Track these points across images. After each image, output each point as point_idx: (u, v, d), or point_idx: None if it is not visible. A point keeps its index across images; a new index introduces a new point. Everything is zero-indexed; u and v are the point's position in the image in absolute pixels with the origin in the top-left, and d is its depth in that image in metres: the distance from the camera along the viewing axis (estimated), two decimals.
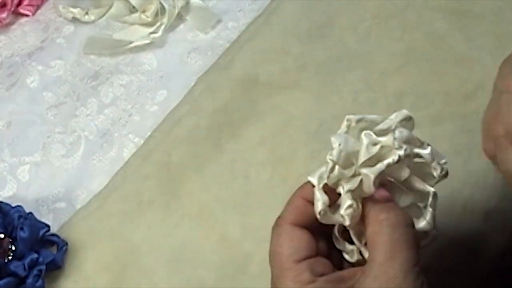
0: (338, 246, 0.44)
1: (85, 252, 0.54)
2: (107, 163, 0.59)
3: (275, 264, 0.43)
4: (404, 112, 0.44)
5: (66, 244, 0.54)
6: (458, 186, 0.55)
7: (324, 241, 0.44)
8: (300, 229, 0.43)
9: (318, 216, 0.42)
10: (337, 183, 0.42)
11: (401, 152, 0.41)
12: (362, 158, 0.42)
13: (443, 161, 0.44)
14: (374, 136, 0.42)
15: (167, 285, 0.53)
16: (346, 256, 0.44)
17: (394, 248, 0.39)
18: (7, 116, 0.61)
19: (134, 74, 0.63)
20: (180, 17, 0.66)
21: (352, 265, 0.44)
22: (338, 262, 0.44)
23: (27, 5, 0.67)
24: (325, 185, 0.43)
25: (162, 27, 0.64)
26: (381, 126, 0.43)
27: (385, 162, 0.41)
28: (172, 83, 0.62)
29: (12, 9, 0.66)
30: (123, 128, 0.60)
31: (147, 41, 0.64)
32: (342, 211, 0.42)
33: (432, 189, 0.43)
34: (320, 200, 0.42)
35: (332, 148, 0.42)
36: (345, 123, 0.44)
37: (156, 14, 0.64)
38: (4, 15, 0.66)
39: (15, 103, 0.62)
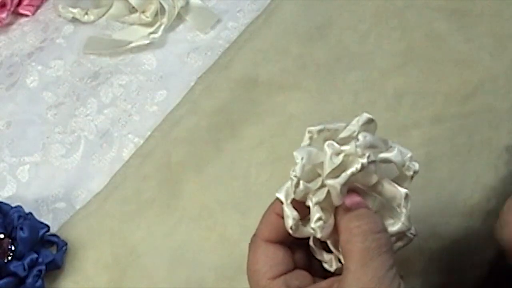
0: (316, 256, 0.44)
1: (85, 252, 0.54)
2: (107, 163, 0.59)
3: (252, 281, 0.44)
4: (365, 116, 0.43)
5: (66, 244, 0.54)
6: (457, 186, 0.55)
7: (303, 252, 0.45)
8: (274, 245, 0.43)
9: (290, 231, 0.42)
10: (305, 196, 0.42)
11: (364, 160, 0.41)
12: (327, 169, 0.41)
13: (409, 155, 0.43)
14: (337, 145, 0.42)
15: (167, 285, 0.53)
16: (326, 266, 0.44)
17: (366, 256, 0.39)
18: (7, 116, 0.61)
19: (134, 74, 0.63)
20: (179, 17, 0.66)
21: (333, 274, 0.43)
22: (319, 272, 0.44)
23: (27, 5, 0.67)
24: (294, 199, 0.42)
25: (162, 27, 0.64)
26: (344, 134, 0.43)
27: (349, 171, 0.41)
28: (171, 83, 0.62)
29: (12, 9, 0.66)
30: (123, 128, 0.60)
31: (147, 41, 0.64)
32: (312, 224, 0.42)
33: (404, 191, 0.42)
34: (290, 217, 0.42)
35: (295, 163, 0.42)
36: (307, 135, 0.43)
37: (156, 14, 0.64)
38: (4, 15, 0.66)
39: (14, 103, 0.62)
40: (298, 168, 0.41)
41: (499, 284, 0.50)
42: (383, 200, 0.43)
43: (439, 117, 0.58)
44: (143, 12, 0.65)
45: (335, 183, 0.41)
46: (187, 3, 0.66)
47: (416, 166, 0.43)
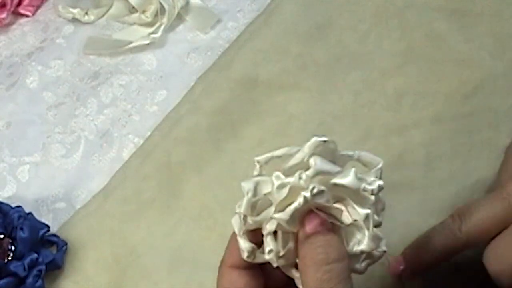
0: (285, 273, 0.42)
1: (85, 252, 0.54)
2: (107, 163, 0.59)
3: None
4: (315, 140, 0.40)
5: (66, 244, 0.54)
6: (457, 186, 0.55)
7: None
8: (238, 270, 0.43)
9: (248, 260, 0.41)
10: (259, 225, 0.41)
11: (307, 194, 0.38)
12: (274, 201, 0.40)
13: (379, 165, 0.41)
14: (282, 177, 0.40)
15: (167, 285, 0.53)
16: (296, 282, 0.42)
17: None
18: (7, 116, 0.61)
19: (134, 74, 0.63)
20: (180, 17, 0.66)
21: None
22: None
23: (27, 5, 0.67)
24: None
25: (162, 27, 0.64)
26: (294, 161, 0.40)
27: (292, 206, 0.39)
28: (171, 83, 0.62)
29: (12, 9, 0.66)
30: (123, 128, 0.60)
31: (147, 41, 0.64)
32: (265, 256, 0.40)
33: (363, 212, 0.40)
34: (244, 250, 0.41)
35: (243, 196, 0.40)
36: (256, 165, 0.42)
37: (156, 14, 0.64)
38: (4, 15, 0.66)
39: (15, 103, 0.62)
40: (244, 205, 0.40)
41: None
42: (342, 222, 0.41)
43: (439, 117, 0.58)
44: (143, 12, 0.65)
45: (281, 218, 0.39)
46: (187, 3, 0.66)
47: (375, 185, 0.40)
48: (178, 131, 0.59)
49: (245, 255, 0.41)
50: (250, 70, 0.61)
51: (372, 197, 0.40)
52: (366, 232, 0.40)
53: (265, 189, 0.40)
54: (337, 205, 0.41)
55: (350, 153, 0.42)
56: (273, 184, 0.40)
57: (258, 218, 0.40)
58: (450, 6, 0.63)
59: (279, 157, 0.41)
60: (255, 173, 0.42)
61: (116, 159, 0.59)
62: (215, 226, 0.55)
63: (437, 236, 0.47)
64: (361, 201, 0.40)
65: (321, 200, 0.39)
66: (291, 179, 0.39)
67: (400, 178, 0.55)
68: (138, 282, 0.53)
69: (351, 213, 0.41)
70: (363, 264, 0.41)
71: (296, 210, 0.39)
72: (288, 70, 0.61)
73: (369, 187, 0.40)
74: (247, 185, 0.40)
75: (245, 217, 0.40)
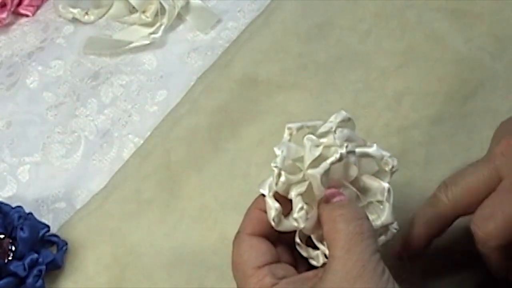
0: (302, 253, 0.44)
1: (85, 252, 0.54)
2: (107, 163, 0.59)
3: (237, 274, 0.44)
4: (343, 113, 0.45)
5: (66, 244, 0.54)
6: None
7: (288, 250, 0.45)
8: (258, 237, 0.44)
9: (273, 224, 0.43)
10: (287, 190, 0.43)
11: (343, 150, 0.42)
12: (307, 161, 0.42)
13: (388, 154, 0.45)
14: (315, 138, 0.43)
15: (167, 285, 0.53)
16: (313, 262, 0.44)
17: (350, 241, 0.40)
18: (7, 116, 0.61)
19: (134, 74, 0.63)
20: (180, 18, 0.66)
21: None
22: (304, 270, 0.44)
23: (27, 5, 0.67)
24: (277, 194, 0.43)
25: (162, 27, 0.64)
26: (322, 129, 0.44)
27: (328, 161, 0.42)
28: (172, 83, 0.62)
29: (12, 9, 0.66)
30: (123, 128, 0.60)
31: (147, 42, 0.64)
32: (294, 214, 0.42)
33: (386, 185, 0.44)
34: (272, 208, 0.43)
35: (276, 156, 0.43)
36: (286, 131, 0.45)
37: (156, 15, 0.65)
38: (4, 15, 0.66)
39: (15, 103, 0.62)
40: (279, 159, 0.43)
41: (501, 285, 0.50)
42: (363, 196, 0.44)
43: (439, 117, 0.58)
44: (143, 12, 0.65)
45: (315, 173, 0.42)
46: (187, 3, 0.66)
47: (395, 161, 0.44)
48: (178, 131, 0.59)
49: (273, 214, 0.43)
50: (250, 70, 0.61)
51: (391, 171, 0.44)
52: (387, 205, 0.44)
53: (296, 154, 0.43)
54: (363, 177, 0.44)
55: (364, 139, 0.45)
56: (305, 145, 0.43)
57: (291, 176, 0.43)
58: (450, 6, 0.63)
59: (308, 127, 0.45)
60: (285, 139, 0.45)
61: (116, 159, 0.59)
62: (215, 226, 0.55)
63: (427, 207, 0.48)
64: (380, 176, 0.44)
65: (351, 160, 0.43)
66: (325, 140, 0.43)
67: (400, 178, 0.55)
68: (138, 282, 0.53)
69: (371, 186, 0.44)
70: (378, 242, 0.43)
71: (332, 164, 0.42)
72: (288, 70, 0.61)
73: (390, 160, 0.44)
74: (281, 147, 0.43)
75: (279, 173, 0.43)
